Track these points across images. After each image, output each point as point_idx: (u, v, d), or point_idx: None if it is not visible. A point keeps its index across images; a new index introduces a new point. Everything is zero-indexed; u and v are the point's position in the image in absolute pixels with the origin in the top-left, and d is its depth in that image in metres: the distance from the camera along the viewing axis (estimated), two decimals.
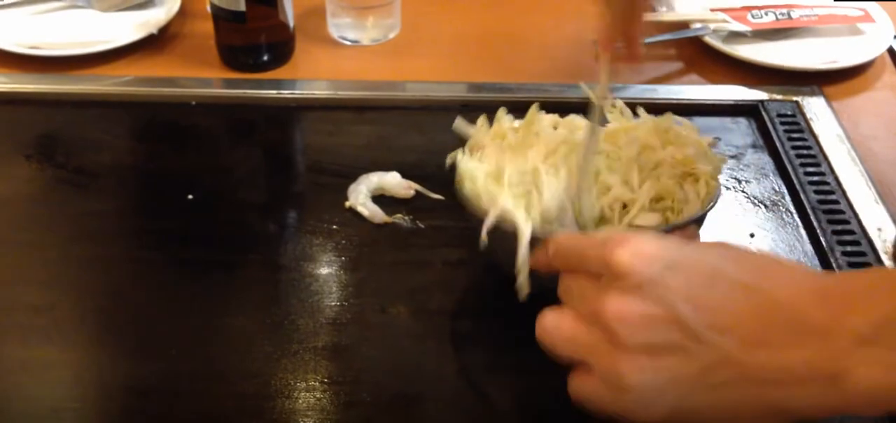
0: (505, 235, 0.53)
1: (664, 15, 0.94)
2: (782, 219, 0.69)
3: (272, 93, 0.81)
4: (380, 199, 0.69)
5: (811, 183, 0.71)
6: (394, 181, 0.69)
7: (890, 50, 0.90)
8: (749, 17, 0.90)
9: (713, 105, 0.81)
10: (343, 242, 0.66)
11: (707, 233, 0.56)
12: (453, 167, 0.60)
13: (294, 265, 0.64)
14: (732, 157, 0.75)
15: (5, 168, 0.74)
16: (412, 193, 0.69)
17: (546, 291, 0.50)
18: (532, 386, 0.55)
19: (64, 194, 0.71)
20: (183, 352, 0.57)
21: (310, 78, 0.84)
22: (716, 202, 0.55)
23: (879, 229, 0.67)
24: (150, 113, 0.81)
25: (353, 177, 0.70)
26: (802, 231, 0.68)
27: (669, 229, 0.52)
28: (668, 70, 0.88)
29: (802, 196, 0.70)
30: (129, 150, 0.78)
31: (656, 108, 0.64)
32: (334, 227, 0.67)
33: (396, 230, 0.67)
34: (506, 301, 0.56)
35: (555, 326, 0.46)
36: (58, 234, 0.67)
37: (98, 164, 0.74)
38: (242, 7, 0.80)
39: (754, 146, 0.77)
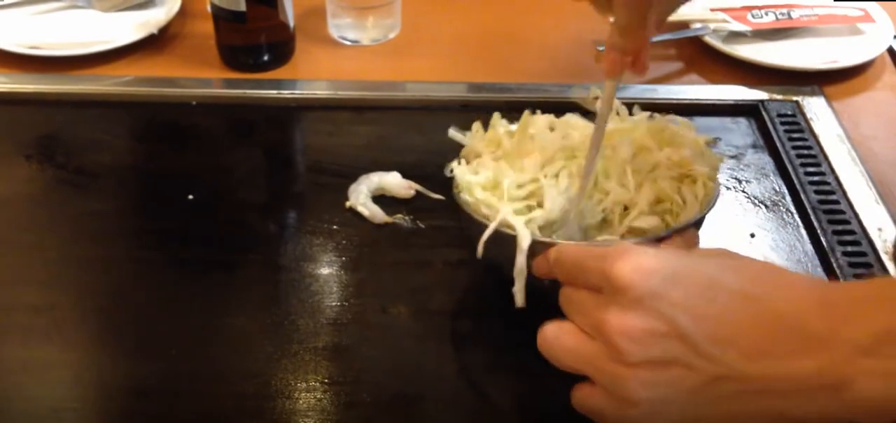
0: (504, 242, 0.53)
1: None
2: (782, 219, 0.69)
3: (272, 93, 0.81)
4: (380, 199, 0.69)
5: (811, 183, 0.71)
6: (394, 181, 0.69)
7: (890, 50, 0.90)
8: (749, 16, 0.90)
9: (713, 105, 0.81)
10: (343, 242, 0.66)
11: (707, 234, 0.56)
12: (452, 174, 0.60)
13: (294, 265, 0.64)
14: (732, 157, 0.75)
15: (5, 168, 0.74)
16: (412, 193, 0.69)
17: (546, 293, 0.50)
18: (533, 387, 0.55)
19: (64, 194, 0.71)
20: (183, 352, 0.57)
21: (310, 78, 0.84)
22: (714, 204, 0.55)
23: (880, 229, 0.67)
24: (150, 113, 0.81)
25: (353, 177, 0.70)
26: (803, 231, 0.68)
27: (668, 234, 0.52)
28: (669, 70, 0.88)
29: (803, 196, 0.70)
30: (129, 150, 0.78)
31: (656, 108, 0.64)
32: (335, 227, 0.67)
33: (397, 230, 0.67)
34: (506, 302, 0.56)
35: (556, 338, 0.46)
36: (58, 234, 0.67)
37: (98, 164, 0.74)
38: (243, 7, 0.80)
39: (754, 146, 0.77)
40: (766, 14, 0.90)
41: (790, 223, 0.68)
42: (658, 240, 0.51)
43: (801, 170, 0.72)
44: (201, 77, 0.84)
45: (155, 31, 0.88)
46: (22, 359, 0.57)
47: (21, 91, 0.82)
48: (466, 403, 0.55)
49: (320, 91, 0.82)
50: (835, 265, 0.63)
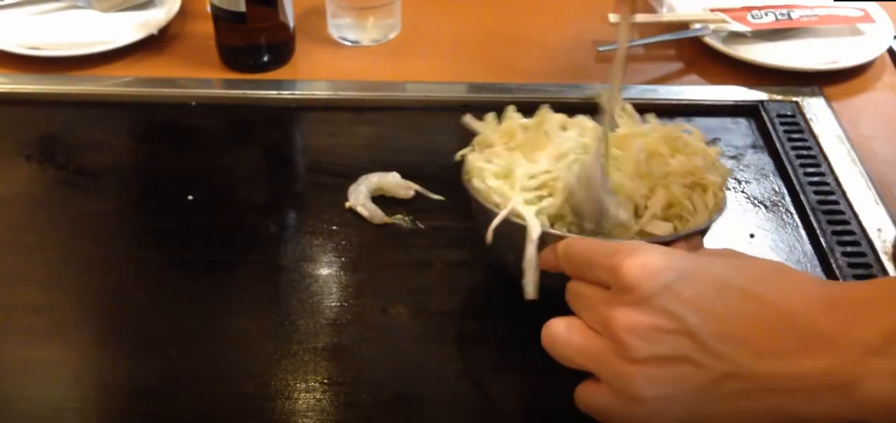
0: (512, 233, 0.53)
1: (664, 15, 0.94)
2: (782, 219, 0.69)
3: (272, 93, 0.81)
4: (380, 199, 0.69)
5: (811, 183, 0.71)
6: (394, 182, 0.69)
7: (890, 50, 0.90)
8: (749, 17, 0.90)
9: (713, 105, 0.81)
10: (343, 242, 0.66)
11: (709, 234, 0.56)
12: (457, 165, 0.60)
13: (294, 266, 0.64)
14: (732, 157, 0.75)
15: (5, 168, 0.74)
16: (412, 193, 0.69)
17: (551, 291, 0.50)
18: (534, 387, 0.55)
19: (64, 195, 0.71)
20: (183, 352, 0.57)
21: (310, 78, 0.84)
22: (722, 213, 0.55)
23: (879, 230, 0.67)
24: (150, 113, 0.81)
25: (353, 177, 0.70)
26: (802, 232, 0.68)
27: (675, 239, 0.52)
28: (668, 70, 0.88)
29: (802, 197, 0.70)
30: (129, 150, 0.78)
31: (656, 108, 0.64)
32: (334, 227, 0.67)
33: (396, 231, 0.67)
34: (507, 302, 0.56)
35: (562, 334, 0.46)
36: (58, 234, 0.67)
37: (98, 164, 0.74)
38: (242, 7, 0.80)
39: (754, 147, 0.77)
40: (766, 14, 0.90)
41: (790, 224, 0.69)
42: (664, 244, 0.51)
43: (800, 170, 0.72)
44: (201, 77, 0.84)
45: (155, 31, 0.89)
46: (22, 359, 0.57)
47: (21, 91, 0.82)
48: (467, 403, 0.55)
49: (320, 91, 0.82)
50: (834, 266, 0.63)
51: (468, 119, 0.62)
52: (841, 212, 0.68)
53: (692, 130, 0.60)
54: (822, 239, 0.66)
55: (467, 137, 0.62)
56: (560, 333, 0.46)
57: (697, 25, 0.90)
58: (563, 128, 0.61)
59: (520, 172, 0.56)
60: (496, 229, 0.53)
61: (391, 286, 0.62)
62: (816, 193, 0.70)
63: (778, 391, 0.42)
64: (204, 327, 0.59)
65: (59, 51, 0.85)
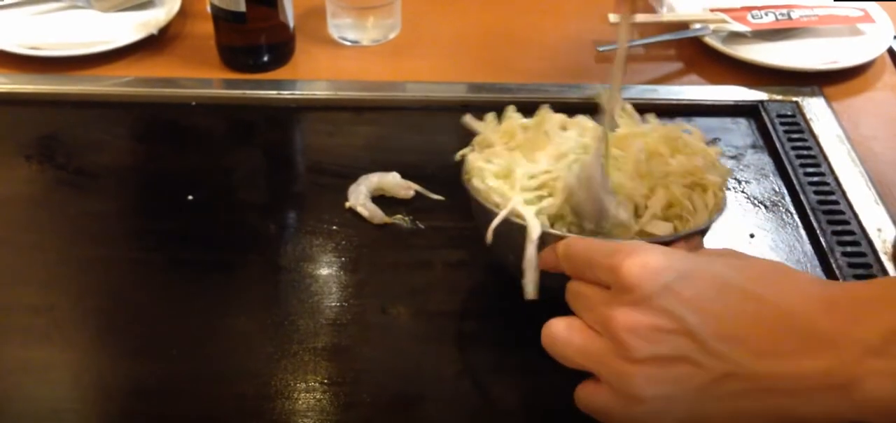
0: (512, 233, 0.53)
1: (664, 15, 0.94)
2: (782, 219, 0.69)
3: (272, 93, 0.82)
4: (380, 199, 0.69)
5: (811, 183, 0.71)
6: (394, 182, 0.69)
7: (890, 50, 0.90)
8: (749, 17, 0.90)
9: (713, 105, 0.81)
10: (343, 242, 0.66)
11: (709, 234, 0.56)
12: (457, 165, 0.60)
13: (294, 266, 0.64)
14: (732, 157, 0.75)
15: (5, 168, 0.74)
16: (412, 193, 0.69)
17: (551, 291, 0.50)
18: (534, 387, 0.55)
19: (64, 195, 0.71)
20: (183, 352, 0.57)
21: (310, 78, 0.84)
22: (722, 213, 0.55)
23: (879, 230, 0.67)
24: (150, 114, 0.81)
25: (353, 177, 0.70)
26: (802, 232, 0.68)
27: (675, 239, 0.52)
28: (668, 70, 0.88)
29: (802, 197, 0.70)
30: (129, 150, 0.78)
31: (656, 108, 0.64)
32: (334, 227, 0.67)
33: (396, 231, 0.67)
34: (507, 302, 0.56)
35: (562, 335, 0.46)
36: (58, 234, 0.67)
37: (98, 164, 0.74)
38: (242, 7, 0.80)
39: (754, 147, 0.77)
40: (766, 14, 0.90)
41: (789, 224, 0.69)
42: (664, 244, 0.51)
43: (800, 170, 0.72)
44: (201, 77, 0.84)
45: (155, 31, 0.89)
46: (22, 359, 0.57)
47: (21, 91, 0.82)
48: (466, 403, 0.55)
49: (320, 91, 0.82)
50: (834, 266, 0.63)
51: (468, 119, 0.62)
52: (841, 212, 0.68)
53: (692, 130, 0.60)
54: (822, 239, 0.66)
55: (467, 136, 0.62)
56: (560, 333, 0.47)
57: (697, 25, 0.90)
58: (563, 128, 0.61)
59: (520, 172, 0.56)
60: (496, 229, 0.53)
61: (391, 286, 0.62)
62: (816, 193, 0.70)
63: (777, 391, 0.42)
64: (204, 328, 0.59)
65: (59, 51, 0.85)
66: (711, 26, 0.89)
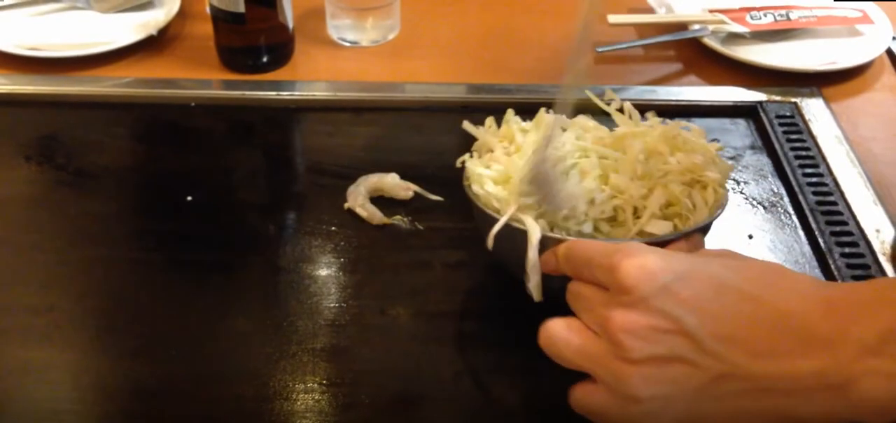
0: (513, 238, 0.53)
1: (663, 16, 0.94)
2: (780, 220, 0.69)
3: (271, 94, 0.82)
4: (379, 200, 0.69)
5: (810, 184, 0.71)
6: (393, 182, 0.69)
7: (888, 51, 0.90)
8: (748, 18, 0.90)
9: (712, 106, 0.81)
10: (342, 243, 0.66)
11: (707, 235, 0.56)
12: (456, 166, 0.60)
13: (293, 267, 0.64)
14: (731, 158, 0.75)
15: (5, 169, 0.74)
16: (411, 194, 0.69)
17: (553, 292, 0.50)
18: (533, 388, 0.55)
19: (64, 195, 0.71)
20: (182, 353, 0.57)
21: (309, 79, 0.84)
22: (723, 210, 0.55)
23: (878, 231, 0.67)
24: (149, 114, 0.81)
25: (352, 178, 0.70)
26: (801, 233, 0.68)
27: (676, 237, 0.52)
28: (667, 71, 0.88)
29: (801, 197, 0.70)
30: (128, 151, 0.78)
31: (655, 109, 0.64)
32: (333, 228, 0.67)
33: (395, 232, 0.67)
34: (506, 302, 0.57)
35: (562, 335, 0.47)
36: (58, 234, 0.67)
37: (98, 165, 0.74)
38: (242, 8, 0.80)
39: (753, 147, 0.77)
40: (765, 15, 0.90)
41: (788, 224, 0.69)
42: (664, 243, 0.51)
43: (799, 171, 0.72)
44: (200, 78, 0.84)
45: (154, 32, 0.89)
46: (22, 359, 0.57)
47: (21, 92, 0.82)
48: (466, 404, 0.55)
49: (319, 92, 0.82)
50: (833, 267, 0.64)
51: (468, 125, 0.62)
52: (839, 213, 0.68)
53: (692, 128, 0.60)
54: (820, 240, 0.66)
55: (467, 138, 0.62)
56: (558, 333, 0.47)
57: (696, 26, 0.90)
58: (563, 129, 0.62)
59: (518, 177, 0.56)
60: (498, 235, 0.54)
61: (390, 287, 0.62)
62: (815, 193, 0.70)
63: (775, 392, 0.42)
64: (203, 328, 0.59)
65: (58, 52, 0.85)
66: (710, 27, 0.89)
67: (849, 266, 0.64)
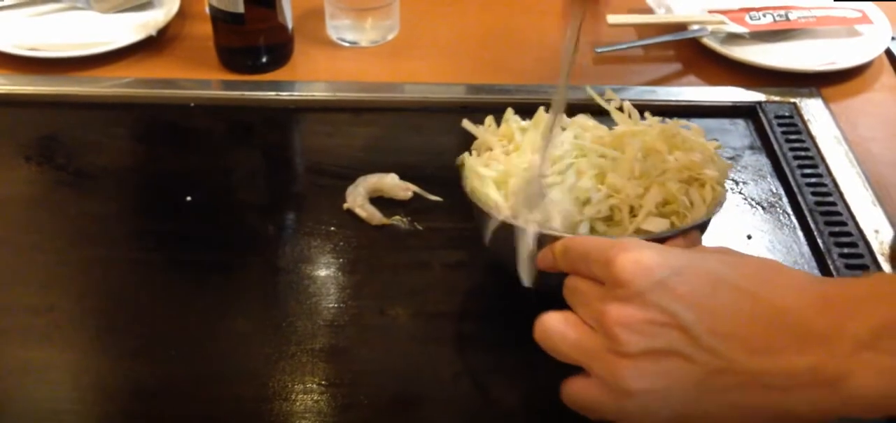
0: (510, 235, 0.53)
1: (662, 16, 0.94)
2: (779, 220, 0.69)
3: (271, 94, 0.82)
4: (378, 200, 0.69)
5: (809, 185, 0.71)
6: (392, 183, 0.69)
7: (888, 51, 0.90)
8: (747, 18, 0.90)
9: (711, 107, 0.81)
10: (341, 243, 0.66)
11: (705, 235, 0.56)
12: (456, 167, 0.60)
13: (292, 267, 0.64)
14: (730, 158, 0.75)
15: (5, 169, 0.74)
16: (410, 194, 0.69)
17: (551, 289, 0.50)
18: (532, 388, 0.55)
19: (64, 196, 0.71)
20: (182, 353, 0.57)
21: (308, 79, 0.84)
22: (721, 208, 0.55)
23: (877, 231, 0.67)
24: (149, 115, 0.81)
25: (351, 178, 0.70)
26: (800, 233, 0.68)
27: (674, 234, 0.52)
28: (667, 72, 0.88)
29: (800, 198, 0.70)
30: (128, 151, 0.78)
31: (655, 109, 0.64)
32: (332, 228, 0.67)
33: (395, 232, 0.67)
34: (505, 303, 0.57)
35: (558, 328, 0.47)
36: (58, 235, 0.67)
37: (97, 165, 0.74)
38: (241, 9, 0.80)
39: (752, 148, 0.77)
40: (764, 16, 0.90)
41: (787, 225, 0.69)
42: (662, 240, 0.52)
43: (798, 171, 0.72)
44: (200, 79, 0.84)
45: (154, 32, 0.89)
46: (22, 359, 0.57)
47: (21, 93, 0.82)
48: (465, 404, 0.55)
49: (319, 93, 0.82)
50: (831, 267, 0.64)
51: (467, 124, 0.62)
52: (838, 213, 0.68)
53: (691, 126, 0.60)
54: (819, 240, 0.66)
55: (466, 138, 0.62)
56: (555, 326, 0.47)
57: (695, 27, 0.90)
58: (563, 128, 0.62)
59: (516, 177, 0.56)
60: (495, 232, 0.54)
61: (389, 288, 0.62)
62: (814, 194, 0.70)
63: (770, 388, 0.42)
64: (202, 329, 0.59)
65: (58, 52, 0.85)
66: (710, 27, 0.89)
67: (848, 267, 0.64)
